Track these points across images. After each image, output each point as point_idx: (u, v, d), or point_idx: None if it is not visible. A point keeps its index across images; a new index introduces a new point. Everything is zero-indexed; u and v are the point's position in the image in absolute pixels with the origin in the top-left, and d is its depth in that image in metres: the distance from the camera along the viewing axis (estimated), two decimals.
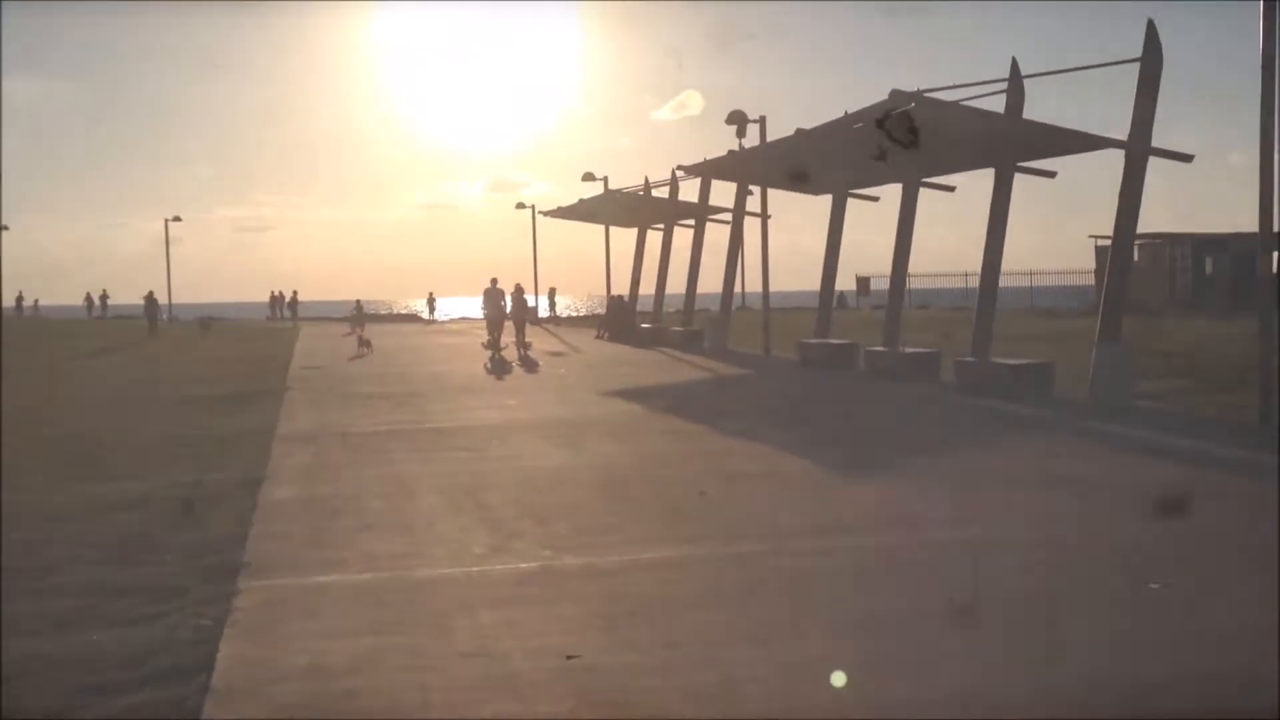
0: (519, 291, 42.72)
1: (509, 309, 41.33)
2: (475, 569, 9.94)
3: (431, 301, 79.95)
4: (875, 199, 33.42)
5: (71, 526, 12.17)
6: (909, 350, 27.55)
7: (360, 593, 9.32)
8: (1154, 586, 9.09)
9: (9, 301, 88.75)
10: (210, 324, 62.94)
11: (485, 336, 40.86)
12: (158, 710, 6.86)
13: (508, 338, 41.21)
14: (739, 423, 19.52)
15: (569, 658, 7.40)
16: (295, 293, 78.82)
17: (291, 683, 7.13)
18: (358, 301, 60.34)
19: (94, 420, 21.98)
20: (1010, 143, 24.82)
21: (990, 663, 7.39)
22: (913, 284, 55.78)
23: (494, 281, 41.10)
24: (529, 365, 34.28)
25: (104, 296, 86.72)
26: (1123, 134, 21.94)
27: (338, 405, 23.85)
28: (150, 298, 61.59)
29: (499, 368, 33.42)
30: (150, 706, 6.91)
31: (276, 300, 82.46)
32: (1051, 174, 25.82)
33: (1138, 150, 21.81)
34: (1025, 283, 58.94)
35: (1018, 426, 18.99)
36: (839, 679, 6.89)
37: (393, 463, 16.08)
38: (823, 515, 12.01)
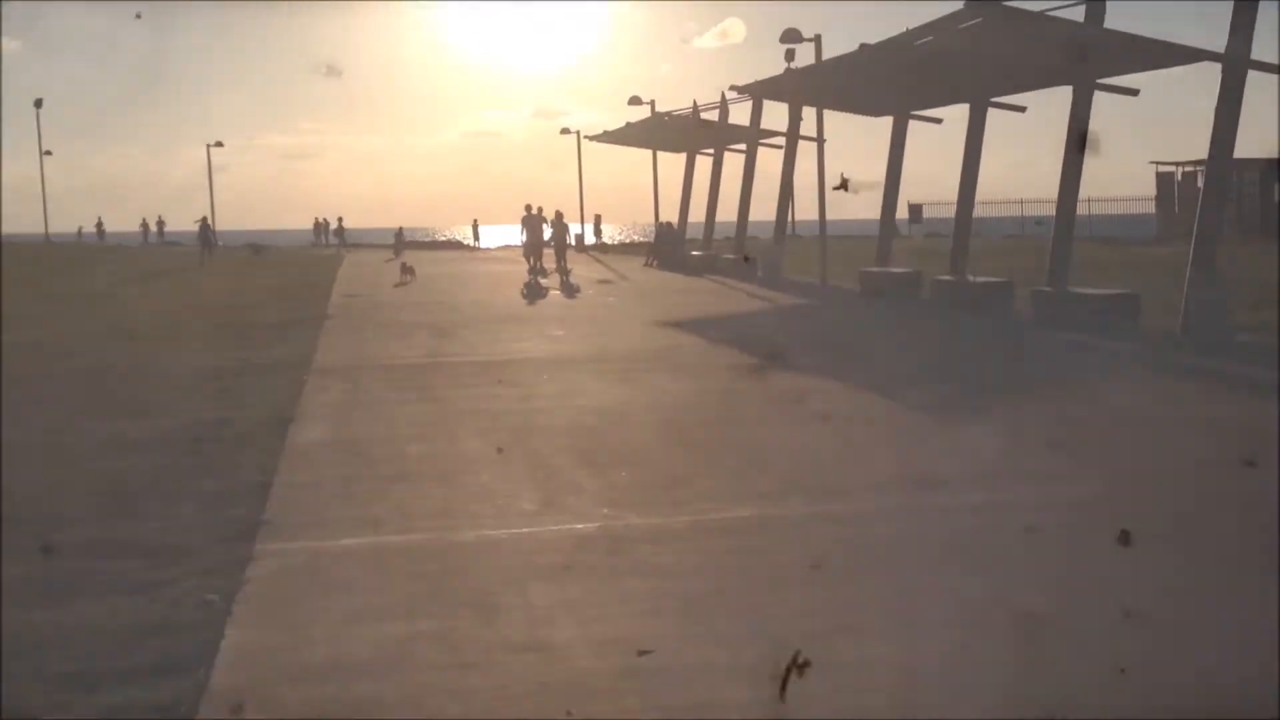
0: (559, 218, 42.40)
1: (547, 236, 40.77)
2: (524, 530, 8.67)
3: (476, 229, 78.43)
4: (939, 121, 31.75)
5: (79, 471, 11.06)
6: (979, 280, 26.01)
7: (392, 560, 8.07)
8: None
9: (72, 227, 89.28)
10: (260, 250, 62.38)
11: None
12: (141, 713, 5.65)
13: (550, 265, 40.21)
14: (807, 357, 18.16)
15: (641, 653, 6.11)
16: (340, 219, 77.84)
17: (305, 685, 5.88)
18: (399, 229, 59.00)
19: (124, 351, 20.85)
20: (1092, 55, 23.06)
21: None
22: (935, 212, 53.88)
23: (530, 208, 41.02)
24: (574, 293, 32.95)
25: (160, 223, 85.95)
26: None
27: (378, 335, 22.64)
28: (203, 223, 60.94)
29: (545, 296, 32.15)
30: (133, 708, 5.69)
31: (321, 227, 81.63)
32: (1134, 91, 24.16)
33: (1237, 62, 20.01)
34: (1082, 210, 56.67)
35: (1115, 363, 17.47)
36: None
37: (433, 400, 14.84)
38: (923, 466, 10.62)
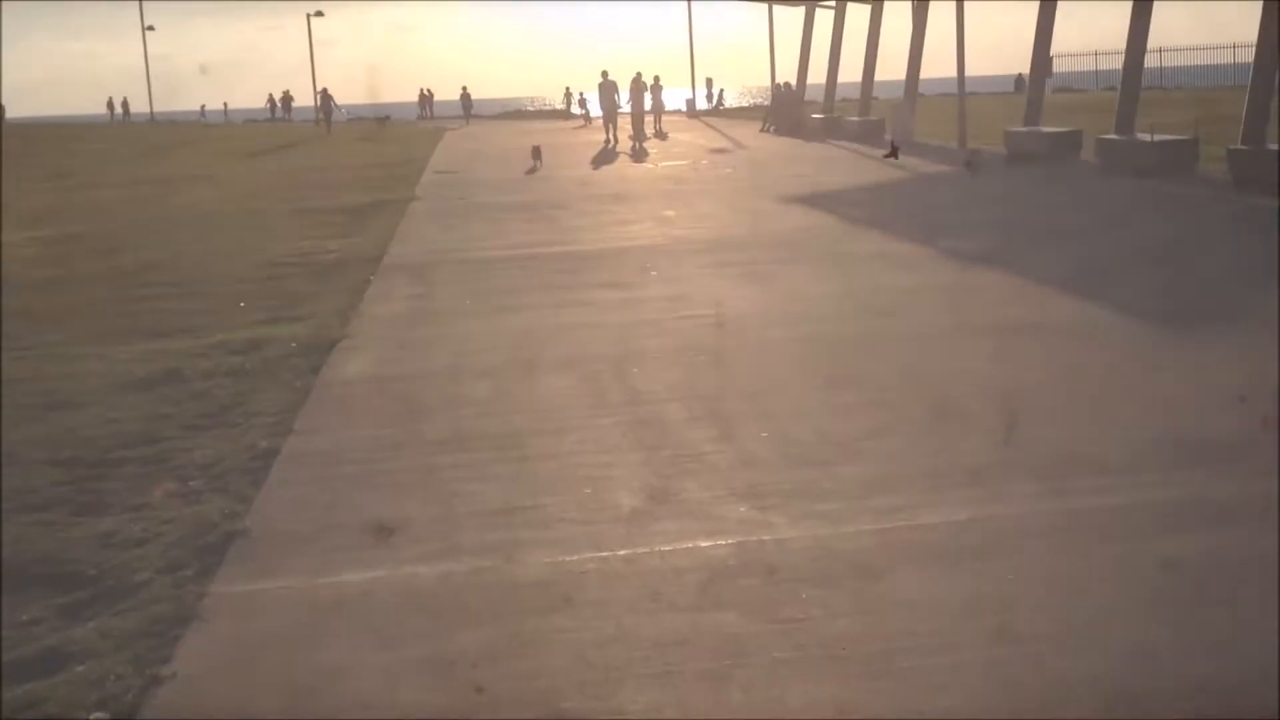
0: (636, 82, 41.12)
1: (621, 104, 39.68)
2: (621, 553, 5.73)
3: (582, 100, 73.44)
4: None
5: (50, 425, 8.45)
6: (1156, 138, 22.24)
7: (413, 607, 5.23)
8: None
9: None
10: (386, 121, 60.50)
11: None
12: None
13: (649, 130, 40.60)
14: (968, 240, 14.84)
15: None
16: (430, 91, 75.60)
17: None
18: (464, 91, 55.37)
19: (181, 243, 18.29)
20: None
21: None
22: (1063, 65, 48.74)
23: (605, 74, 39.86)
24: (685, 164, 29.62)
25: (286, 97, 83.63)
26: None
27: (463, 220, 19.76)
28: (324, 95, 59.26)
29: (654, 170, 28.94)
30: None
31: (425, 99, 79.26)
32: None
33: None
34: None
35: None
36: None
37: (513, 309, 11.94)
38: (1187, 417, 7.48)
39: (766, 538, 5.76)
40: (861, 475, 6.54)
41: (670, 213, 19.52)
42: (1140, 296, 11.10)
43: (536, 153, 30.34)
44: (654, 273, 13.69)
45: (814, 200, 20.12)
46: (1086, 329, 10.01)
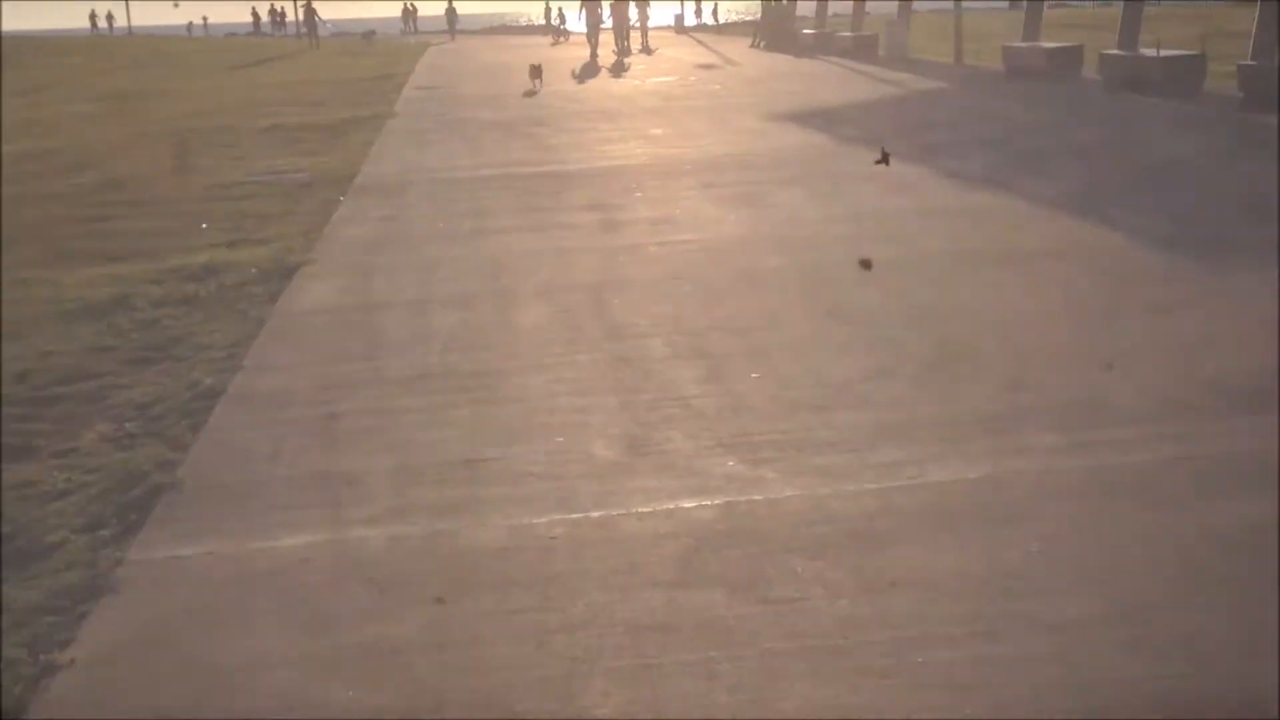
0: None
1: (604, 19, 38.67)
2: (594, 514, 5.09)
3: (560, 14, 69.27)
4: None
5: None
6: (1163, 53, 21.38)
7: (357, 578, 4.60)
8: None
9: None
10: (372, 36, 60.30)
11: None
12: None
13: (635, 45, 39.70)
14: (967, 160, 14.10)
15: None
16: (414, 6, 74.02)
17: None
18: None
19: (149, 160, 17.52)
20: None
21: None
22: None
23: None
24: (672, 79, 28.65)
25: (275, 13, 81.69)
26: None
27: (441, 138, 18.95)
28: (308, 9, 58.52)
29: (640, 86, 28.00)
30: None
31: (409, 14, 77.80)
32: None
33: None
34: None
35: None
36: None
37: (489, 233, 11.24)
38: (1206, 359, 6.83)
39: (757, 497, 5.13)
40: (862, 423, 5.90)
41: (657, 131, 18.71)
42: (1163, 223, 10.39)
43: (536, 71, 28.33)
44: (638, 194, 12.97)
45: (805, 117, 19.29)
46: (1088, 253, 9.33)
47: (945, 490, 5.12)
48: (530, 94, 25.92)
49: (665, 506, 5.08)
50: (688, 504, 5.09)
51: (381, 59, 41.32)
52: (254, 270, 10.00)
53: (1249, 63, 18.67)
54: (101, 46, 58.04)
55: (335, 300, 9.03)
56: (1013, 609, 4.16)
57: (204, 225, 12.31)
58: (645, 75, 30.75)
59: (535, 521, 4.99)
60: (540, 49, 42.76)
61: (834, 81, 27.09)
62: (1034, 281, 8.65)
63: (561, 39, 50.31)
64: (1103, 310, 7.88)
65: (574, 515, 5.03)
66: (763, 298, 8.50)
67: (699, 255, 9.86)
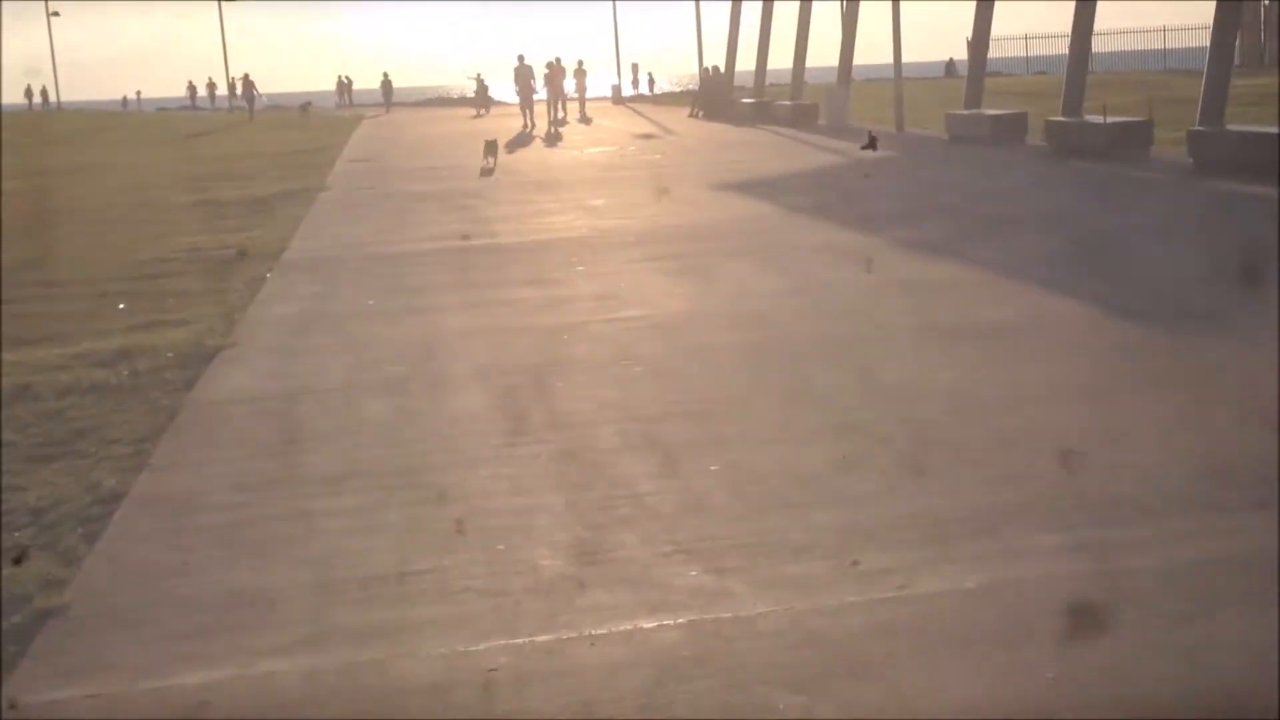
0: (554, 67, 39.93)
1: (537, 89, 38.60)
2: (540, 639, 4.44)
3: (480, 84, 63.99)
4: None
5: None
6: (1109, 120, 21.20)
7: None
8: None
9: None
10: (308, 108, 59.61)
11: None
12: None
13: (571, 114, 40.28)
14: (917, 229, 13.66)
15: None
16: (349, 79, 73.78)
17: None
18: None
19: (68, 238, 16.83)
20: None
21: None
22: (992, 51, 47.48)
23: (521, 58, 38.68)
24: (610, 150, 28.21)
25: (211, 86, 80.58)
26: None
27: (374, 211, 18.37)
28: (246, 81, 58.52)
29: (579, 156, 27.55)
30: None
31: (344, 87, 77.57)
32: None
33: None
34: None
35: None
36: None
37: (422, 311, 10.61)
38: (1208, 437, 6.30)
39: (725, 615, 4.51)
40: (837, 524, 5.30)
41: (597, 202, 18.20)
42: (1129, 293, 9.93)
43: (491, 148, 25.04)
44: (580, 268, 12.40)
45: (748, 187, 18.88)
46: (1066, 329, 8.84)
47: (938, 603, 4.52)
48: (461, 166, 25.29)
49: (622, 628, 4.45)
50: (647, 624, 4.46)
51: (316, 132, 40.70)
52: (170, 354, 9.32)
53: (1199, 128, 18.50)
54: (33, 122, 57.08)
55: (256, 386, 8.36)
56: None
57: (121, 306, 11.62)
58: (583, 145, 30.41)
59: (473, 649, 4.34)
60: (469, 121, 42.32)
61: (776, 150, 26.80)
62: (1002, 356, 8.13)
63: (483, 111, 48.48)
64: (1079, 387, 7.36)
65: (518, 640, 4.39)
66: (718, 378, 7.92)
67: (647, 332, 9.28)
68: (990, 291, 10.20)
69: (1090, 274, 10.58)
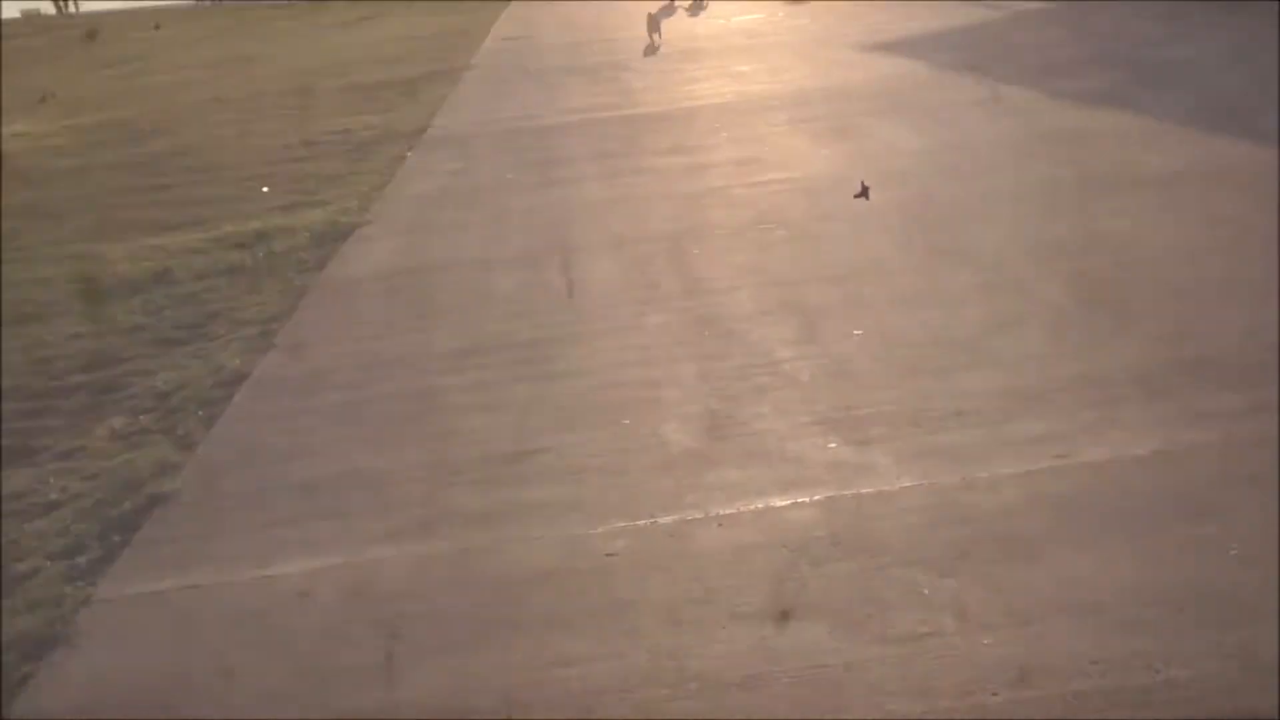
0: None
1: None
2: (663, 520, 4.11)
3: None
4: None
5: (7, 343, 7.10)
6: None
7: (363, 619, 3.70)
8: None
9: None
10: None
11: None
12: None
13: None
14: (1085, 79, 12.78)
15: None
16: None
17: None
18: None
19: (220, 125, 16.87)
20: None
21: None
22: None
23: None
24: (762, 20, 27.30)
25: None
26: None
27: (519, 86, 17.98)
28: None
29: (724, 26, 26.71)
30: None
31: None
32: None
33: None
34: None
35: None
36: None
37: (561, 183, 10.25)
38: None
39: (866, 490, 4.12)
40: (991, 388, 4.85)
41: (744, 67, 17.54)
42: None
43: (654, 23, 22.62)
44: (724, 134, 11.89)
45: (899, 46, 17.97)
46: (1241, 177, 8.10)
47: (1104, 473, 4.07)
48: (606, 39, 24.73)
49: (753, 506, 4.09)
50: (779, 502, 4.10)
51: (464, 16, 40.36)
52: (307, 235, 9.18)
53: None
54: (193, 17, 57.87)
55: (388, 263, 8.14)
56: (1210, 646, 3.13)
57: (264, 189, 11.55)
58: (730, 14, 29.48)
59: (591, 533, 4.03)
60: None
61: (929, 8, 25.58)
62: (1159, 205, 7.47)
63: None
64: (1261, 237, 6.70)
65: (638, 521, 4.07)
66: (863, 240, 7.43)
67: (790, 195, 8.80)
68: (1164, 141, 9.44)
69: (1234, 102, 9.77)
